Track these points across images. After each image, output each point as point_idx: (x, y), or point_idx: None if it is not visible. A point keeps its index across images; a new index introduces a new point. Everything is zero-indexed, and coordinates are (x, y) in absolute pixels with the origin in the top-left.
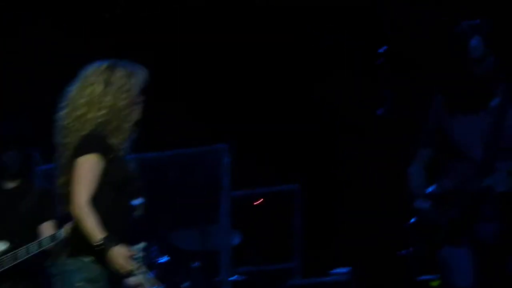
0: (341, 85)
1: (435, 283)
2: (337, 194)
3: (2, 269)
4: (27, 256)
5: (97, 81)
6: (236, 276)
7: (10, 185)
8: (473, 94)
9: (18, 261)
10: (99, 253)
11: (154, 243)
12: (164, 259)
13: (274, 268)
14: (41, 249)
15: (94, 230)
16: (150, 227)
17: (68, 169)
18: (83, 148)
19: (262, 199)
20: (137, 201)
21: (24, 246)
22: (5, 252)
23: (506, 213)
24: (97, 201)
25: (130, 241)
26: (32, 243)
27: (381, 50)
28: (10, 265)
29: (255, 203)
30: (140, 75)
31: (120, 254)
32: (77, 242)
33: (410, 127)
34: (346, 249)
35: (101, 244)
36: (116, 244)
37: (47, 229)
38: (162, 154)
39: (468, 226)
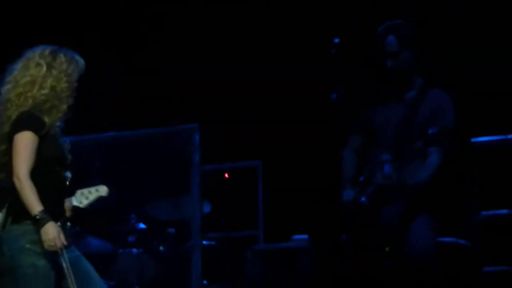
0: None
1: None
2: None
3: None
4: None
5: (41, 64)
6: (205, 241)
7: None
8: (389, 86)
9: None
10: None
11: (132, 213)
12: (141, 226)
13: (239, 235)
14: None
15: (33, 202)
16: (129, 198)
17: (6, 140)
18: (21, 124)
19: (227, 173)
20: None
21: None
22: None
23: (405, 197)
24: (34, 175)
25: (62, 214)
26: None
27: (336, 41)
28: None
29: (225, 176)
30: (79, 63)
31: (50, 231)
32: (20, 209)
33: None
34: (304, 218)
35: (37, 217)
36: (50, 220)
37: None
38: (140, 132)
39: (375, 211)
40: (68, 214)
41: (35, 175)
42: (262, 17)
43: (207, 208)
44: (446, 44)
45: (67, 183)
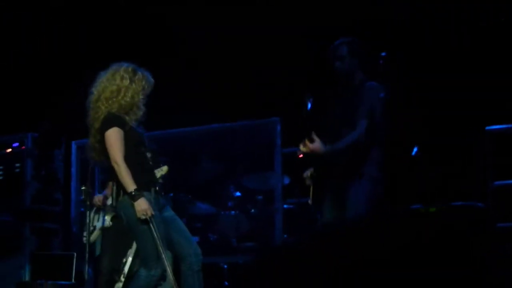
0: None
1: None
2: None
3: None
4: None
5: (125, 77)
6: (285, 205)
7: None
8: (335, 85)
9: None
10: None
11: (231, 184)
12: (237, 194)
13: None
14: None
15: (129, 182)
16: (229, 173)
17: (98, 133)
18: (109, 122)
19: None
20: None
21: None
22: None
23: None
24: (126, 157)
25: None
26: None
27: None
28: None
29: (299, 156)
30: (151, 81)
31: (141, 204)
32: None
33: None
34: None
35: (132, 193)
36: (141, 195)
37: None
38: (237, 123)
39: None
40: None
41: (127, 157)
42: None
43: (286, 180)
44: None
45: (150, 160)
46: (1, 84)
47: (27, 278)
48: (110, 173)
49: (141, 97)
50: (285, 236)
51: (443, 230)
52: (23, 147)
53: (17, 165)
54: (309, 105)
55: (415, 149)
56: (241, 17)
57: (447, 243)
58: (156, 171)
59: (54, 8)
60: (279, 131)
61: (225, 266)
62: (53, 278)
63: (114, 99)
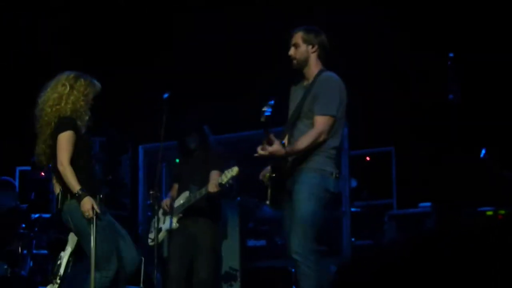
0: None
1: (502, 212)
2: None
3: (185, 207)
4: (196, 199)
5: (65, 85)
6: (353, 208)
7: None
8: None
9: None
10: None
11: None
12: None
13: (378, 203)
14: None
15: (74, 184)
16: None
17: (49, 138)
18: (64, 126)
19: (368, 157)
20: None
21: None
22: (187, 197)
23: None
24: (73, 162)
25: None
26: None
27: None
28: (191, 203)
29: (367, 159)
30: (96, 87)
31: (86, 204)
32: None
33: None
34: (427, 190)
35: (76, 194)
36: (86, 195)
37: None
38: None
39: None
40: (214, 189)
41: (79, 161)
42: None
43: (354, 183)
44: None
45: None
46: None
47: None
48: (56, 178)
49: (82, 103)
50: (353, 239)
51: None
52: None
53: None
54: (269, 111)
55: (483, 151)
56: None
57: None
58: (226, 171)
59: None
60: (346, 134)
61: (293, 270)
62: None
63: (58, 106)
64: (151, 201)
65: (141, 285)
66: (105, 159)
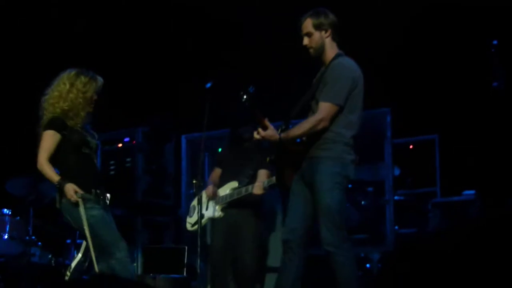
0: None
1: None
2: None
3: (229, 200)
4: (241, 195)
5: (65, 83)
6: (396, 196)
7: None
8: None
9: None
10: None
11: None
12: (348, 186)
13: (422, 191)
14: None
15: (52, 176)
16: None
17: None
18: (48, 126)
19: (411, 145)
20: None
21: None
22: (235, 189)
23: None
24: (61, 159)
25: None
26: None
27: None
28: (234, 198)
29: (410, 147)
30: (97, 83)
31: (69, 189)
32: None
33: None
34: (472, 176)
35: (57, 185)
36: (66, 183)
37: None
38: None
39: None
40: (259, 192)
41: (65, 159)
42: None
43: (397, 171)
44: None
45: (95, 161)
46: (111, 80)
47: (139, 271)
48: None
49: (80, 100)
50: (396, 228)
51: None
52: (134, 141)
53: (128, 159)
54: (245, 98)
55: None
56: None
57: None
58: (271, 178)
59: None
60: (389, 121)
61: None
62: (165, 271)
63: (57, 104)
64: (194, 190)
65: (184, 273)
66: (148, 149)
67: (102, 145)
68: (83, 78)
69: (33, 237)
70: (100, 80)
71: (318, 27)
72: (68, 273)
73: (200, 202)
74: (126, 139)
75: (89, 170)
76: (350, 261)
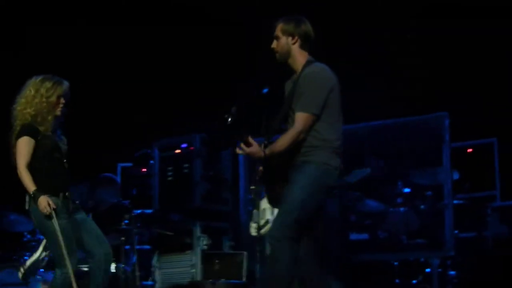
0: None
1: None
2: None
3: None
4: None
5: (30, 90)
6: (455, 200)
7: None
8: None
9: None
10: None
11: (399, 180)
12: (406, 190)
13: (481, 195)
14: None
15: (29, 185)
16: (396, 170)
17: (14, 143)
18: (21, 133)
19: (470, 149)
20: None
21: None
22: None
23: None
24: (35, 165)
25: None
26: None
27: None
28: None
29: (469, 151)
30: (62, 87)
31: (42, 202)
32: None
33: None
34: None
35: (32, 195)
36: (41, 195)
37: None
38: (402, 119)
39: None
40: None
41: (36, 164)
42: None
43: (456, 175)
44: None
45: (65, 165)
46: (170, 87)
47: (198, 277)
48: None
49: (44, 104)
50: (456, 232)
51: None
52: (192, 147)
53: (186, 165)
54: (229, 120)
55: None
56: None
57: None
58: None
59: None
60: (448, 125)
61: (396, 264)
62: (225, 277)
63: (25, 111)
64: (252, 196)
65: (244, 279)
66: (206, 155)
67: (160, 151)
68: (47, 84)
69: None
70: (65, 84)
71: (285, 32)
72: (23, 270)
73: (258, 208)
74: (184, 145)
75: (60, 174)
76: (284, 261)
